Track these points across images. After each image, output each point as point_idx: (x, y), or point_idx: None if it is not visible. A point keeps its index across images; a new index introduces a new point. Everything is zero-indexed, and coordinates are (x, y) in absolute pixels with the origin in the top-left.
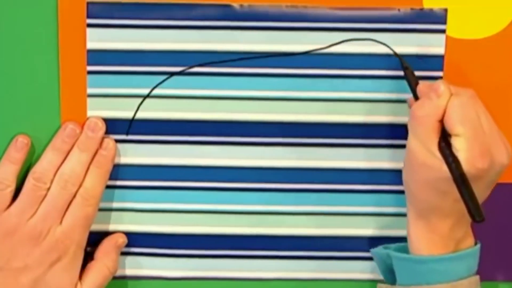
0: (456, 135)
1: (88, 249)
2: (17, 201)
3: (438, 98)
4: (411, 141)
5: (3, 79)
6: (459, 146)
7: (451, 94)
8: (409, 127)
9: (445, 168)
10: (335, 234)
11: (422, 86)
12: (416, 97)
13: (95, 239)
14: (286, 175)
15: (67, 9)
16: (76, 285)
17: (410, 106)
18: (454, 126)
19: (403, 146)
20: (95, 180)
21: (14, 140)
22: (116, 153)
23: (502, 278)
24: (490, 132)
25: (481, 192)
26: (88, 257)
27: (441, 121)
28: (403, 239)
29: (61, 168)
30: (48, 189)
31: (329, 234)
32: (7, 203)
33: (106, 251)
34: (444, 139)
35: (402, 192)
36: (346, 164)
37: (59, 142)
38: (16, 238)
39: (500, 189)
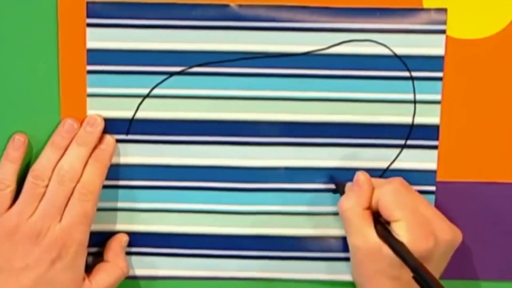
0: (395, 221)
1: (96, 249)
2: (18, 200)
3: (361, 187)
4: (350, 236)
5: (3, 79)
6: (400, 231)
7: (371, 183)
8: (344, 224)
9: (391, 252)
10: (338, 235)
11: (348, 183)
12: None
13: (96, 239)
14: (286, 175)
15: (67, 9)
16: (82, 283)
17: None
18: (392, 211)
19: (403, 146)
20: (93, 174)
21: (12, 139)
22: (115, 150)
23: (502, 278)
24: (428, 213)
25: (433, 271)
26: (99, 259)
27: (369, 209)
28: None
29: (59, 163)
30: (47, 186)
31: (331, 234)
32: (8, 203)
33: (115, 252)
34: (381, 226)
35: None
36: (347, 164)
37: (58, 138)
38: (17, 238)
39: (500, 189)
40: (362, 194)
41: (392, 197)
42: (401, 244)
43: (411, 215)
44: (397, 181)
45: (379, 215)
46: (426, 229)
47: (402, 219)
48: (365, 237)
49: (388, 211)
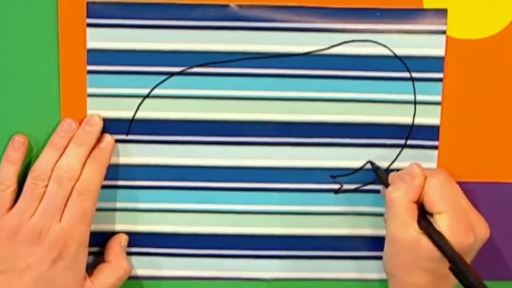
0: (439, 213)
1: (96, 249)
2: (19, 201)
3: (413, 180)
4: (391, 225)
5: (3, 79)
6: (443, 224)
7: (425, 176)
8: (387, 212)
9: (430, 245)
10: (340, 234)
11: (393, 174)
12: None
13: (97, 239)
14: (286, 175)
15: (67, 9)
16: (83, 283)
17: (384, 196)
18: (436, 204)
19: (404, 146)
20: (92, 174)
21: (11, 140)
22: (116, 150)
23: (502, 278)
24: (468, 208)
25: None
26: (100, 259)
27: (417, 203)
28: None
29: (58, 163)
30: (47, 186)
31: (333, 234)
32: (9, 204)
33: (116, 252)
34: (424, 218)
35: None
36: (347, 164)
37: (57, 138)
38: (18, 238)
39: (500, 189)
40: (413, 187)
41: (438, 190)
42: (442, 236)
43: (454, 209)
44: (442, 173)
45: (422, 206)
46: (467, 224)
47: (445, 212)
48: (407, 228)
49: (433, 203)
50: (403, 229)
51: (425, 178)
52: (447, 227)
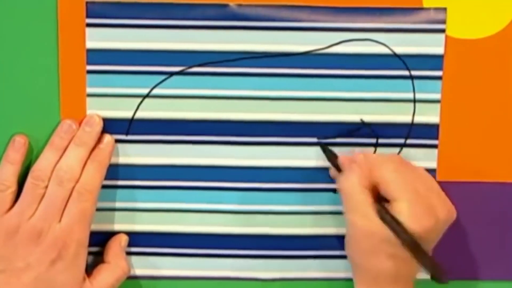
0: (395, 200)
1: (96, 249)
2: (18, 201)
3: (360, 167)
4: (347, 214)
5: (2, 79)
6: (401, 209)
7: (371, 163)
8: (343, 201)
9: (388, 231)
10: (340, 234)
11: (343, 158)
12: (338, 170)
13: (97, 239)
14: (286, 174)
15: (67, 9)
16: (82, 283)
17: (333, 178)
18: (392, 190)
19: (403, 145)
20: (91, 174)
21: (12, 140)
22: (115, 150)
23: (502, 278)
24: (429, 190)
25: (429, 248)
26: (99, 259)
27: (368, 188)
28: None
29: (58, 164)
30: (47, 187)
31: (333, 233)
32: (9, 204)
33: (115, 252)
34: (380, 204)
35: None
36: None
37: (57, 139)
38: (18, 238)
39: (500, 189)
40: (362, 173)
41: (393, 176)
42: (398, 223)
43: (412, 194)
44: (396, 158)
45: (379, 193)
46: (426, 208)
47: (402, 199)
48: (364, 215)
49: (389, 190)
50: (361, 217)
51: (371, 164)
52: (406, 213)
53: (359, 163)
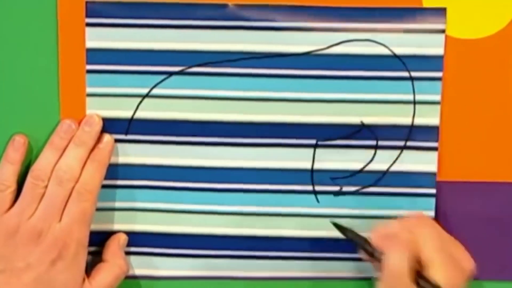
0: (431, 262)
1: (94, 249)
2: (18, 201)
3: (403, 243)
4: None
5: (2, 79)
6: (438, 274)
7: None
8: (386, 280)
9: None
10: (338, 236)
11: (375, 239)
12: (369, 254)
13: (97, 239)
14: (286, 175)
15: (67, 9)
16: (82, 283)
17: (371, 261)
18: (430, 255)
19: (403, 148)
20: (91, 174)
21: (11, 140)
22: (115, 150)
23: (502, 278)
24: (452, 246)
25: None
26: (98, 258)
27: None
28: None
29: (57, 164)
30: (47, 187)
31: (331, 236)
32: (9, 204)
33: (113, 252)
34: (420, 276)
35: (411, 194)
36: (347, 166)
37: (57, 139)
38: (18, 238)
39: (500, 189)
40: (406, 249)
41: (429, 241)
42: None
43: (444, 256)
44: (428, 222)
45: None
46: (458, 268)
47: (436, 261)
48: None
49: (428, 255)
50: None
51: (423, 242)
52: (442, 276)
53: (402, 240)
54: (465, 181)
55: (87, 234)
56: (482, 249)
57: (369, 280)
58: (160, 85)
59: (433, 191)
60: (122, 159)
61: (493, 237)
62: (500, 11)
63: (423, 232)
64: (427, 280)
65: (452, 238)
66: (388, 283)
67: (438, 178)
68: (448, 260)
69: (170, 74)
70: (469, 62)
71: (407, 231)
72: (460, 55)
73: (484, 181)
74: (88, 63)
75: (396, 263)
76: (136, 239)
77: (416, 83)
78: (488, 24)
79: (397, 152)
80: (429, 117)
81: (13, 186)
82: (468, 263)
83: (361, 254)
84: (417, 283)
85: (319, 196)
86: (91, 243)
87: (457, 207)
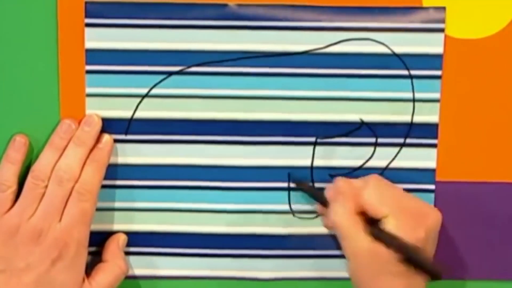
0: (384, 217)
1: (94, 249)
2: (18, 201)
3: (343, 195)
4: (344, 245)
5: (2, 79)
6: (391, 227)
7: (355, 187)
8: (337, 234)
9: (387, 250)
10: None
11: (328, 192)
12: (324, 206)
13: (96, 239)
14: (284, 173)
15: (66, 9)
16: (82, 284)
17: (321, 214)
18: (379, 209)
19: (403, 145)
20: (91, 174)
21: (12, 140)
22: (114, 150)
23: (502, 277)
24: (410, 202)
25: (429, 256)
26: (98, 258)
27: (361, 213)
28: None
29: (57, 164)
30: (47, 187)
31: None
32: (9, 204)
33: (113, 252)
34: (373, 226)
35: (411, 191)
36: (346, 163)
37: (57, 139)
38: (18, 238)
39: (500, 189)
40: (348, 202)
41: (376, 195)
42: (394, 238)
43: (397, 208)
44: (374, 177)
45: (367, 215)
46: (414, 220)
47: (390, 214)
48: (360, 241)
49: (375, 209)
50: (356, 244)
51: (354, 188)
52: (395, 229)
53: (343, 193)
54: (465, 181)
55: (87, 234)
56: (482, 248)
57: None
58: (160, 85)
59: (432, 187)
60: (121, 159)
61: (493, 237)
62: (500, 11)
63: (367, 185)
64: (380, 230)
65: (407, 193)
66: (338, 235)
67: (438, 178)
68: (399, 211)
69: (170, 74)
70: (468, 61)
71: (353, 186)
72: (459, 55)
73: (484, 181)
74: (88, 63)
75: (337, 214)
76: (136, 239)
77: (415, 81)
78: (488, 24)
79: (396, 149)
80: (428, 115)
81: (13, 186)
82: (432, 217)
83: (318, 208)
84: (373, 235)
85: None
86: (91, 243)
87: (457, 207)
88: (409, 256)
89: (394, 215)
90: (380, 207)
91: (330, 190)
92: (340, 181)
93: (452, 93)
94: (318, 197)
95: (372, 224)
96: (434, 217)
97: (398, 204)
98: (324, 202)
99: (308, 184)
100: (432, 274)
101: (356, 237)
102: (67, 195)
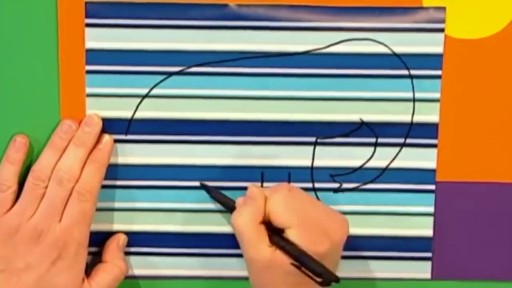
0: (287, 228)
1: (94, 249)
2: (19, 201)
3: (254, 202)
4: (244, 249)
5: (2, 79)
6: (294, 237)
7: (265, 195)
8: (238, 239)
9: (285, 259)
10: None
11: (239, 199)
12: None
13: (96, 239)
14: (285, 174)
15: (66, 9)
16: (82, 284)
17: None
18: (282, 219)
19: (403, 145)
20: (91, 174)
21: (13, 140)
22: (114, 150)
23: (502, 278)
24: (318, 213)
25: (331, 267)
26: (98, 258)
27: (266, 222)
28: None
29: (57, 165)
30: (47, 187)
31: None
32: (9, 204)
33: (113, 252)
34: (275, 234)
35: (411, 191)
36: (346, 163)
37: (57, 139)
38: (18, 238)
39: (500, 189)
40: (255, 208)
41: (281, 206)
42: (291, 245)
43: (301, 220)
44: (284, 187)
45: (272, 224)
46: (318, 232)
47: (292, 226)
48: (259, 249)
49: (278, 220)
50: (256, 251)
51: (265, 197)
52: (298, 240)
53: (252, 198)
54: (465, 181)
55: (87, 234)
56: (482, 249)
57: (369, 280)
58: (160, 85)
59: (432, 187)
60: (121, 159)
61: (493, 237)
62: (500, 11)
63: (276, 194)
64: (281, 239)
65: (319, 204)
66: (238, 239)
67: (438, 178)
68: (304, 223)
69: (170, 74)
70: (468, 61)
71: (263, 193)
72: (459, 55)
73: (484, 181)
74: (88, 63)
75: (240, 219)
76: (136, 239)
77: (415, 81)
78: (488, 24)
79: (396, 149)
80: (428, 115)
81: (14, 187)
82: (337, 231)
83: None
84: (274, 244)
85: (319, 193)
86: (91, 243)
87: (456, 206)
88: (305, 266)
89: (297, 227)
90: (284, 217)
91: (242, 197)
92: (253, 188)
93: (452, 93)
94: (226, 203)
95: (277, 233)
96: (339, 231)
97: (305, 216)
98: (231, 208)
99: (215, 191)
100: (326, 283)
101: (256, 244)
102: (67, 196)
